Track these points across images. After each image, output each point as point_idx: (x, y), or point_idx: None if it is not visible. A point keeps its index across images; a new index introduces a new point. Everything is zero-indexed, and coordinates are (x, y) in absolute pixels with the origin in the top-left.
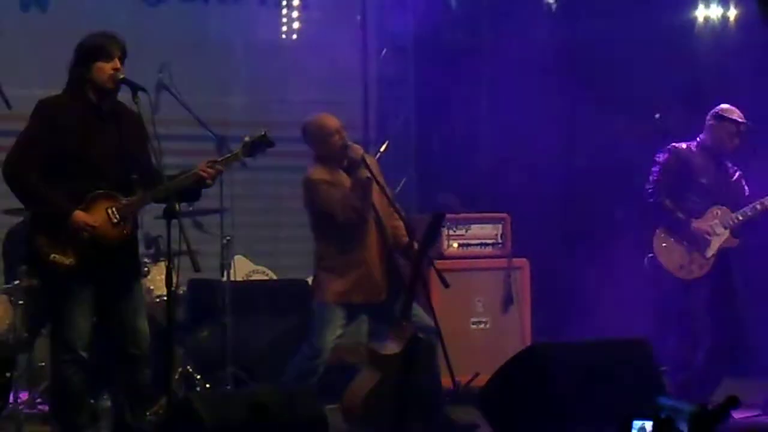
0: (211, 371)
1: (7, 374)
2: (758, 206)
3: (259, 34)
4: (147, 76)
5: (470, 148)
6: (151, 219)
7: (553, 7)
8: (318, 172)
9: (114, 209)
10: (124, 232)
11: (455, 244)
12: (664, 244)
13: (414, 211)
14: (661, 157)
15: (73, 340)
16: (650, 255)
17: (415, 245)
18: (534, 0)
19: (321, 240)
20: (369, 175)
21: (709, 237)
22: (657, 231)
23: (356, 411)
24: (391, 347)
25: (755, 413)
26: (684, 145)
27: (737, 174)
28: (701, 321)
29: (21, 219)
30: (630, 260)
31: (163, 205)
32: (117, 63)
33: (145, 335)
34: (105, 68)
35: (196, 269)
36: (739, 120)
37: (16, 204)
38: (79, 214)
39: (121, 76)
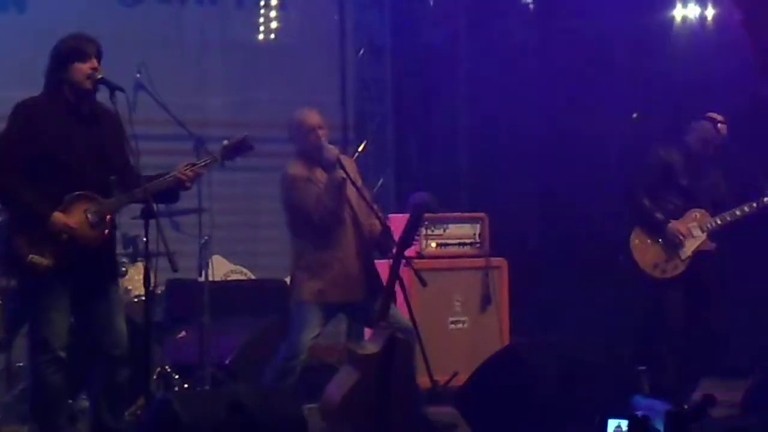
0: (189, 371)
1: None
2: (737, 212)
3: (236, 34)
4: (125, 76)
5: (448, 148)
6: (128, 219)
7: (531, 6)
8: (296, 168)
9: (92, 211)
10: (103, 233)
11: (433, 244)
12: (639, 243)
13: (392, 210)
14: (647, 159)
15: (51, 340)
16: (624, 253)
17: (392, 246)
18: (512, 0)
19: (297, 238)
20: (343, 176)
21: (683, 238)
22: (634, 229)
23: (335, 411)
24: (370, 347)
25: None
26: (666, 147)
27: (718, 177)
28: (675, 321)
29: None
30: (608, 259)
31: (141, 205)
32: (94, 62)
33: (123, 335)
34: (82, 68)
35: (174, 269)
36: (717, 118)
37: None
38: (58, 216)
39: (99, 76)
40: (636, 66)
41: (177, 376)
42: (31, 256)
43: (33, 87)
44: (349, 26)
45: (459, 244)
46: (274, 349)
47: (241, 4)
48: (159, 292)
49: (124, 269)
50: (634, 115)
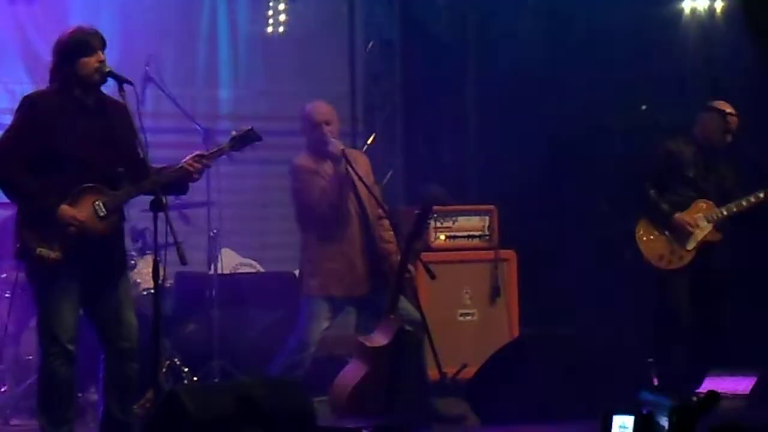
0: (199, 364)
1: None
2: (743, 202)
3: (246, 27)
4: (134, 68)
5: (457, 141)
6: (137, 212)
7: (540, 2)
8: (303, 160)
9: (100, 203)
10: (111, 225)
11: (442, 237)
12: (645, 234)
13: (401, 203)
14: (663, 147)
15: (60, 333)
16: (630, 245)
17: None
18: None
19: (303, 231)
20: (346, 171)
21: (690, 229)
22: (640, 221)
23: (344, 403)
24: (379, 340)
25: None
26: (674, 138)
27: (726, 170)
28: (681, 312)
29: (8, 213)
30: (617, 252)
31: (150, 198)
32: (100, 55)
33: (134, 328)
34: (90, 62)
35: (183, 262)
36: (727, 111)
37: (3, 198)
38: (66, 209)
39: (107, 69)
40: (645, 58)
41: (186, 369)
42: (39, 248)
43: (41, 79)
44: (358, 19)
45: (468, 236)
46: (283, 342)
47: None
48: (168, 285)
49: (133, 262)
50: (643, 107)
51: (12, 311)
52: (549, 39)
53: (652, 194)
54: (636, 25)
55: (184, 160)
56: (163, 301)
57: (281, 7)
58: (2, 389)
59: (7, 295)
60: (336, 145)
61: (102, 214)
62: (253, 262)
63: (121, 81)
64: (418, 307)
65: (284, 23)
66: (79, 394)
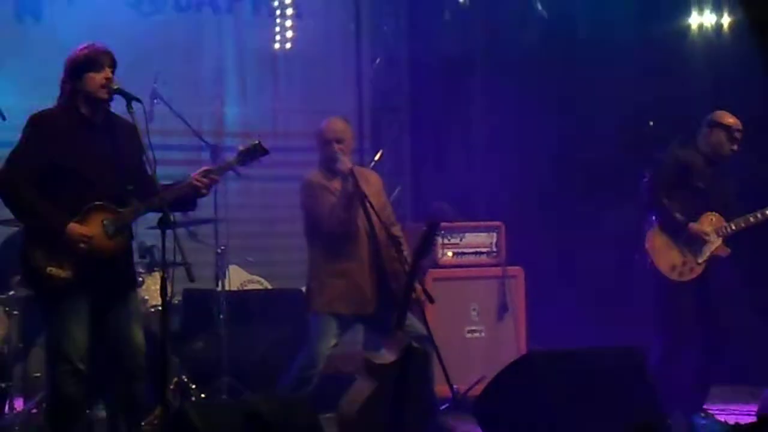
0: (206, 381)
1: (2, 384)
2: (751, 219)
3: (253, 43)
4: (141, 86)
5: (464, 158)
6: (144, 229)
7: (547, 16)
8: (315, 176)
9: (109, 221)
10: (120, 243)
11: (450, 253)
12: (658, 244)
13: (408, 220)
14: (661, 158)
15: (70, 352)
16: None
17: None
18: (527, 9)
19: (311, 247)
20: (353, 189)
21: (706, 239)
22: (651, 230)
23: (352, 420)
24: (387, 356)
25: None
26: (684, 147)
27: (728, 182)
28: (687, 326)
29: (16, 229)
30: (625, 268)
31: (158, 215)
32: (108, 72)
33: (141, 347)
34: (96, 78)
35: (191, 279)
36: (732, 125)
37: (9, 215)
38: (74, 227)
39: (116, 87)
40: (651, 75)
41: (194, 386)
42: (49, 268)
43: (49, 97)
44: (365, 35)
45: (475, 253)
46: (291, 359)
47: (258, 13)
48: (176, 302)
49: (140, 279)
50: (650, 123)
51: (20, 328)
52: (555, 55)
53: (666, 203)
54: (643, 42)
55: (192, 175)
56: (170, 318)
57: (288, 23)
58: (12, 407)
59: (15, 313)
60: (344, 163)
61: (111, 232)
62: (261, 279)
63: (129, 98)
64: (425, 324)
65: (291, 40)
66: (87, 411)
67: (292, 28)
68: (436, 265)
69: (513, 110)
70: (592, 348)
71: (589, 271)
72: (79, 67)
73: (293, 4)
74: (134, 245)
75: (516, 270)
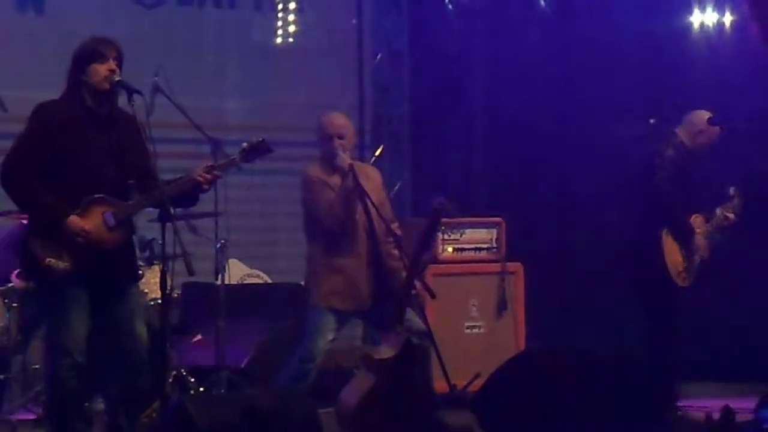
0: (205, 374)
1: (2, 376)
2: (722, 219)
3: (254, 37)
4: (143, 78)
5: (465, 153)
6: (145, 222)
7: (548, 12)
8: (314, 170)
9: (110, 214)
10: (120, 236)
11: (450, 249)
12: (669, 247)
13: (408, 215)
14: (667, 155)
15: (70, 345)
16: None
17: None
18: (529, 5)
19: (310, 241)
20: (353, 185)
21: (702, 246)
22: (664, 233)
23: (350, 415)
24: (385, 352)
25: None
26: (667, 145)
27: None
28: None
29: (16, 223)
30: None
31: (158, 209)
32: (112, 64)
33: (143, 340)
34: (100, 70)
35: (191, 273)
36: (716, 124)
37: (12, 206)
38: (74, 219)
39: (117, 79)
40: (653, 71)
41: (193, 380)
42: (48, 259)
43: (51, 88)
44: (366, 30)
45: (475, 248)
46: (290, 353)
47: (260, 7)
48: (175, 295)
49: (140, 272)
50: (652, 120)
51: (20, 320)
52: (557, 51)
53: (678, 211)
54: (644, 40)
55: (194, 171)
56: (170, 311)
57: (290, 18)
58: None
59: (15, 305)
60: (344, 159)
61: (111, 225)
62: (261, 273)
63: (130, 91)
64: (424, 320)
65: (293, 34)
66: (86, 404)
67: (293, 22)
68: (436, 261)
69: (514, 106)
70: (589, 345)
71: (588, 268)
72: (84, 58)
73: None
74: (134, 239)
75: (515, 266)
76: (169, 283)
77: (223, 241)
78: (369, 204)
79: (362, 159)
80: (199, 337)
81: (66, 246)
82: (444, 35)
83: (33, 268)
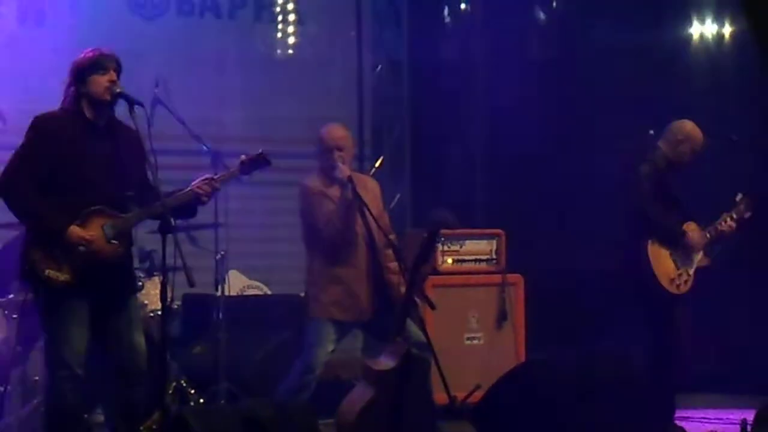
0: (205, 386)
1: (1, 388)
2: (719, 227)
3: (254, 49)
4: (143, 90)
5: (464, 165)
6: (145, 233)
7: (547, 24)
8: (313, 181)
9: (109, 226)
10: (120, 248)
11: (450, 260)
12: (657, 256)
13: (408, 226)
14: (642, 170)
15: (70, 357)
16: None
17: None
18: (528, 17)
19: (310, 253)
20: (352, 196)
21: (697, 251)
22: (650, 242)
23: (350, 426)
24: (385, 363)
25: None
26: (654, 156)
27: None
28: (679, 336)
29: (15, 233)
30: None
31: (158, 220)
32: (113, 75)
33: (142, 352)
34: (101, 81)
35: (191, 285)
36: (699, 142)
37: (10, 218)
38: (74, 229)
39: (118, 90)
40: (652, 83)
41: (193, 391)
42: (47, 270)
43: (50, 101)
44: (366, 42)
45: (475, 260)
46: (290, 365)
47: (260, 18)
48: (175, 306)
49: (140, 284)
50: (651, 132)
51: (19, 332)
52: (555, 62)
53: (660, 215)
54: (643, 50)
55: (194, 183)
56: (170, 322)
57: (290, 30)
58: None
59: (14, 317)
60: (343, 171)
61: (110, 236)
62: (261, 284)
63: (132, 102)
64: (424, 332)
65: (293, 46)
66: (85, 416)
67: (293, 34)
68: (436, 272)
69: (514, 117)
70: (589, 356)
71: (588, 280)
72: (84, 70)
73: (295, 11)
74: (134, 249)
75: (515, 278)
76: (169, 294)
77: (222, 253)
78: (368, 215)
79: (362, 170)
80: (199, 348)
81: (66, 257)
82: (443, 47)
83: (33, 279)
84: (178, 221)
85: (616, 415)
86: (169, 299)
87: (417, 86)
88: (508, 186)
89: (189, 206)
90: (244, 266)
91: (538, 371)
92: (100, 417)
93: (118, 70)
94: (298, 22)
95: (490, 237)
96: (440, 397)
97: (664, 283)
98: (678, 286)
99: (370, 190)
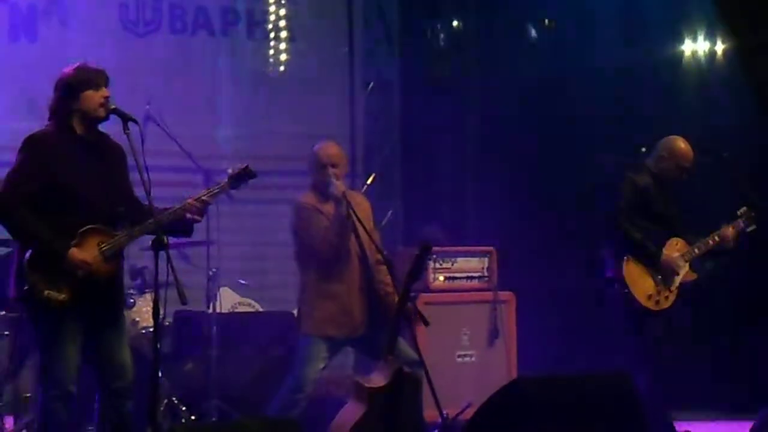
0: (196, 403)
1: None
2: (710, 241)
3: (247, 66)
4: (135, 107)
5: (456, 181)
6: (136, 250)
7: (538, 42)
8: (307, 198)
9: (105, 244)
10: (115, 266)
11: (441, 277)
12: (634, 274)
13: (399, 243)
14: (624, 186)
15: (64, 375)
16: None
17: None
18: (519, 35)
19: (302, 270)
20: (347, 212)
21: (677, 269)
22: (626, 260)
23: None
24: (377, 380)
25: None
26: (637, 171)
27: (678, 203)
28: (661, 352)
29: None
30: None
31: (150, 237)
32: (106, 91)
33: (129, 367)
34: (94, 97)
35: (183, 302)
36: (681, 158)
37: (3, 234)
38: (75, 252)
39: (113, 106)
40: (645, 101)
41: (184, 408)
42: (47, 291)
43: (44, 118)
44: (358, 60)
45: (467, 277)
46: (281, 382)
47: (252, 36)
48: (167, 323)
49: (132, 300)
50: (643, 149)
51: (11, 349)
52: (549, 80)
53: (636, 234)
54: (635, 68)
55: (184, 200)
56: (161, 339)
57: (282, 47)
58: (2, 427)
59: (6, 333)
60: (338, 187)
61: (107, 255)
62: (252, 302)
63: (126, 119)
64: (416, 348)
65: (285, 63)
66: None
67: (285, 51)
68: (428, 290)
69: (505, 135)
70: (581, 374)
71: (579, 297)
72: (76, 86)
73: (287, 28)
74: (125, 266)
75: (507, 295)
76: (161, 311)
77: (214, 270)
78: (362, 231)
79: (353, 187)
80: (190, 365)
81: (64, 277)
82: (435, 64)
83: (30, 299)
84: (171, 238)
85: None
86: (160, 316)
87: (409, 104)
88: (500, 203)
89: (183, 224)
90: (236, 284)
91: (529, 389)
92: None
93: (107, 85)
94: (290, 40)
95: (481, 254)
96: (431, 414)
97: (641, 299)
98: (657, 302)
99: (361, 206)
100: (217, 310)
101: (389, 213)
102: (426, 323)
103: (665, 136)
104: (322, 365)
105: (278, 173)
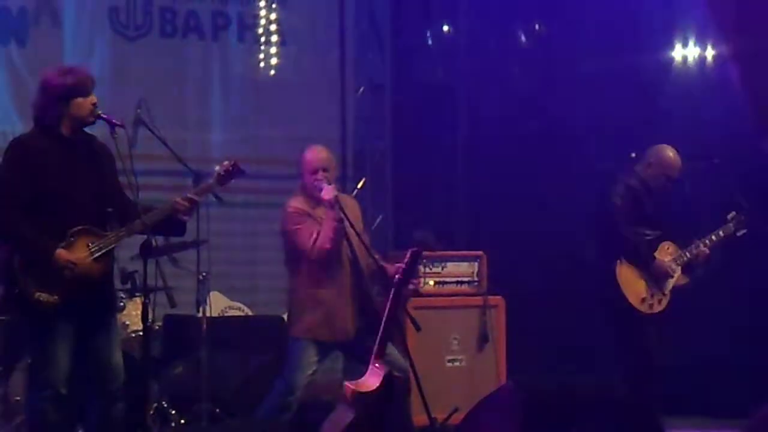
0: (186, 406)
1: None
2: (702, 245)
3: (237, 70)
4: (125, 111)
5: (446, 186)
6: (127, 255)
7: (529, 46)
8: (297, 202)
9: (95, 245)
10: (105, 267)
11: (431, 282)
12: (626, 277)
13: (390, 248)
14: (616, 190)
15: (55, 377)
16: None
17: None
18: (509, 39)
19: (292, 273)
20: (339, 217)
21: (671, 273)
22: (619, 263)
23: None
24: (366, 384)
25: None
26: (629, 175)
27: (666, 207)
28: (654, 355)
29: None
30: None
31: (140, 240)
32: (94, 98)
33: (120, 369)
34: (84, 104)
35: (172, 305)
36: (668, 167)
37: None
38: (62, 253)
39: (99, 112)
40: (635, 106)
41: (174, 412)
42: (38, 293)
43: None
44: (349, 63)
45: (457, 282)
46: (271, 385)
47: (243, 39)
48: (157, 327)
49: (122, 304)
50: (632, 155)
51: (1, 351)
52: (539, 84)
53: (630, 237)
54: (627, 74)
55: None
56: (151, 343)
57: (273, 51)
58: None
59: None
60: (329, 191)
61: (97, 256)
62: (242, 306)
63: (112, 125)
64: (406, 353)
65: (276, 67)
66: None
67: (276, 55)
68: (418, 294)
69: (496, 139)
70: (571, 379)
71: (569, 302)
72: (66, 93)
73: (278, 32)
74: (115, 269)
75: (497, 300)
76: (150, 315)
77: (204, 274)
78: (353, 235)
79: (344, 191)
80: (180, 368)
81: (55, 279)
82: (426, 68)
83: (21, 301)
84: (160, 242)
85: None
86: (150, 320)
87: (399, 108)
88: (490, 208)
89: (172, 222)
90: (226, 287)
91: (518, 393)
92: None
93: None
94: (281, 44)
95: (471, 259)
96: (420, 419)
97: (634, 302)
98: (651, 305)
99: (350, 209)
100: (207, 314)
101: (380, 217)
102: (418, 328)
103: (655, 144)
104: (312, 369)
105: (269, 177)
